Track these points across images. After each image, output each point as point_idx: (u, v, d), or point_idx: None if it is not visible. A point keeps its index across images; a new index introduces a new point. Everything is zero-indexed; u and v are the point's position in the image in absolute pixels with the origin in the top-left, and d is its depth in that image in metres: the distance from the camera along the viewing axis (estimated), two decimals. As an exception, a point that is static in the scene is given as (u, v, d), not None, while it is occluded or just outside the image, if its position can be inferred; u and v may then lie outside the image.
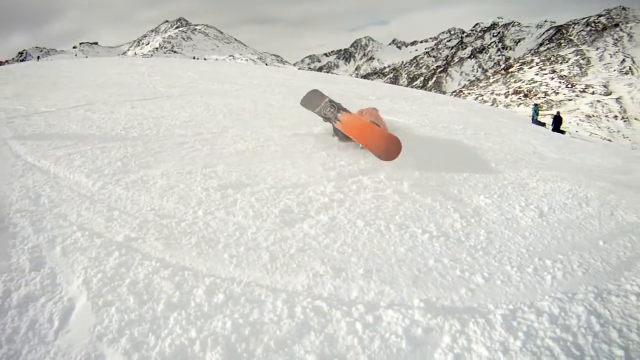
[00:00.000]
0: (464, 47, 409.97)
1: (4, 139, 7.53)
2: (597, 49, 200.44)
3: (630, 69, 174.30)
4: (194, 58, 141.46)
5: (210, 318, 2.83)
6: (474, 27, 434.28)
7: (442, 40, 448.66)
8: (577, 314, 3.18)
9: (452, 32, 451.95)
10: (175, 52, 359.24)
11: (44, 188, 5.13)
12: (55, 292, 3.10)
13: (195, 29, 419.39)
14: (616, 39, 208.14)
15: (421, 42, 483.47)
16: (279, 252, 3.60)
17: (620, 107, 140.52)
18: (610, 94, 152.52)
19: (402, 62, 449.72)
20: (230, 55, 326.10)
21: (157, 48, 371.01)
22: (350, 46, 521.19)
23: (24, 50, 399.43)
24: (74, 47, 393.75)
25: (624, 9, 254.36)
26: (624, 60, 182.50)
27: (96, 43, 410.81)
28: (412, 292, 3.20)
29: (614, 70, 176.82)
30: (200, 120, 8.68)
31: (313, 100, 7.53)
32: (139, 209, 4.42)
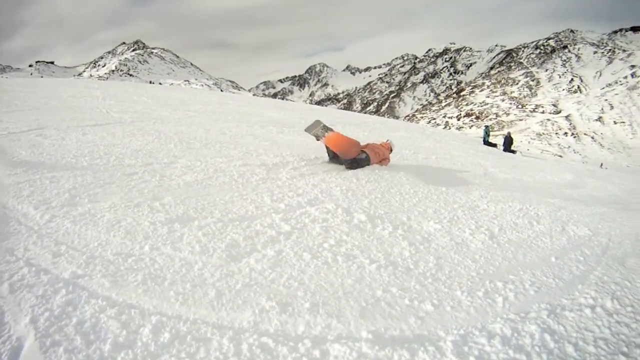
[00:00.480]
0: (417, 72, 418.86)
1: None
2: (547, 70, 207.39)
3: (578, 87, 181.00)
4: (150, 82, 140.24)
5: (157, 358, 2.76)
6: (426, 52, 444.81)
7: (395, 66, 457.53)
8: (530, 333, 3.23)
9: (405, 58, 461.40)
10: (131, 75, 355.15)
11: None
12: (4, 331, 2.97)
13: (152, 53, 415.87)
14: (564, 60, 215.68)
15: (375, 68, 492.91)
16: (225, 288, 3.53)
17: (570, 124, 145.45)
18: (559, 112, 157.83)
19: (356, 87, 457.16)
20: (185, 80, 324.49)
21: (113, 70, 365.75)
22: (305, 72, 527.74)
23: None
24: (30, 66, 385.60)
25: (572, 31, 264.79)
26: (572, 79, 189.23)
27: (52, 62, 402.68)
28: (360, 324, 3.18)
29: (563, 90, 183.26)
30: (151, 150, 8.54)
31: (314, 126, 8.51)
32: (86, 244, 4.28)
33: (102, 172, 6.75)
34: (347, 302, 3.46)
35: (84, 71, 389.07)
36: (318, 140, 8.40)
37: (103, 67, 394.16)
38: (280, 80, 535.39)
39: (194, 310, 3.22)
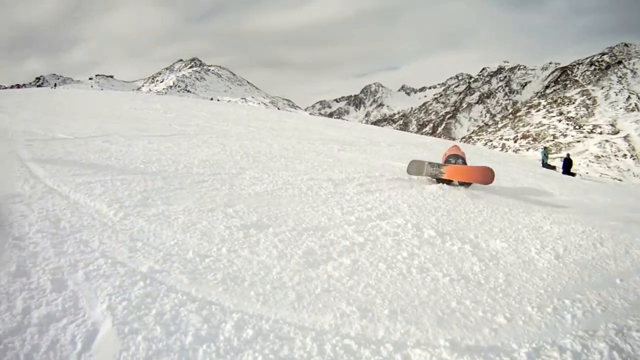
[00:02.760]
0: (472, 92, 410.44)
1: (22, 160, 7.71)
2: (602, 87, 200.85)
3: (636, 105, 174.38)
4: (211, 99, 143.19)
5: (241, 352, 2.84)
6: (480, 71, 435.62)
7: (450, 86, 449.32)
8: (599, 350, 3.23)
9: (460, 78, 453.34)
10: (189, 91, 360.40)
11: (64, 212, 5.17)
12: (78, 315, 3.09)
13: (209, 70, 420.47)
14: (620, 77, 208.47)
15: (430, 88, 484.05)
16: (304, 291, 3.62)
17: (629, 145, 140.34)
18: (617, 132, 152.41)
19: (412, 108, 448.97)
20: (242, 98, 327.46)
21: (171, 86, 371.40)
22: (360, 92, 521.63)
23: (41, 76, 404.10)
24: (90, 79, 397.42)
25: (626, 45, 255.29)
26: (629, 97, 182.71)
27: (112, 76, 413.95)
28: (437, 332, 3.23)
29: (620, 108, 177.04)
30: (217, 161, 8.79)
31: (417, 168, 9.05)
32: (162, 242, 4.45)
33: (172, 178, 7.02)
34: (423, 311, 3.52)
35: (143, 86, 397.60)
36: (436, 177, 8.90)
37: (161, 82, 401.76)
38: (336, 100, 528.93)
39: (275, 311, 3.31)
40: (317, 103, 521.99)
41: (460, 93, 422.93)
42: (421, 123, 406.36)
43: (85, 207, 5.41)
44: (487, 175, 8.56)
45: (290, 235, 4.86)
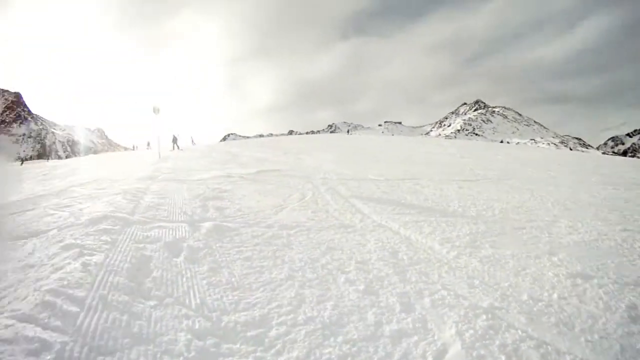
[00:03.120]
0: None
1: (344, 197, 9.02)
2: None
3: None
4: (500, 142, 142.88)
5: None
6: None
7: None
8: None
9: None
10: (476, 134, 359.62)
11: (399, 246, 6.02)
12: (428, 335, 3.70)
13: (494, 111, 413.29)
14: None
15: None
16: (627, 344, 3.76)
17: None
18: None
19: None
20: (531, 139, 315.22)
21: (458, 130, 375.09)
22: None
23: (333, 123, 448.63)
24: (379, 125, 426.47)
25: None
26: None
27: (400, 122, 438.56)
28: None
29: None
30: (530, 207, 9.02)
31: None
32: (496, 283, 4.92)
33: (491, 223, 7.52)
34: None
35: (431, 130, 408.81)
36: None
37: (448, 126, 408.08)
38: (629, 135, 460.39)
39: (602, 358, 3.57)
40: (608, 140, 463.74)
41: None
42: None
43: (418, 243, 6.22)
44: None
45: (613, 288, 4.94)
